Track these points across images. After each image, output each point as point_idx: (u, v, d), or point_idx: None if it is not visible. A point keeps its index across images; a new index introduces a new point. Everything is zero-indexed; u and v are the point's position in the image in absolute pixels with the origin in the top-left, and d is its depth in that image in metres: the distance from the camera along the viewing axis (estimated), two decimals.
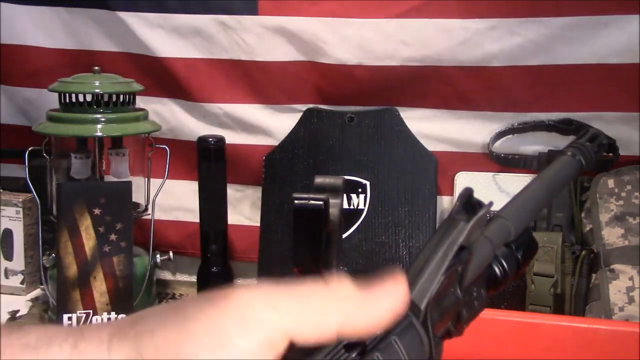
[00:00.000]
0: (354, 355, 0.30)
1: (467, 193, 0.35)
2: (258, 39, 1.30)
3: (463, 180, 1.29)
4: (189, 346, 0.28)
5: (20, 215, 1.31)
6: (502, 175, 1.28)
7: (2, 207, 1.31)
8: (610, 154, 1.22)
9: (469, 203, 0.35)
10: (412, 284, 0.33)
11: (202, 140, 1.25)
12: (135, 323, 0.30)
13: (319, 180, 1.06)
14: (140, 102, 1.25)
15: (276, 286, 0.30)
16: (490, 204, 0.35)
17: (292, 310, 0.29)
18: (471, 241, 0.35)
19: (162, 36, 1.34)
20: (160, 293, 1.39)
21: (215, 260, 1.28)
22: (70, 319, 1.10)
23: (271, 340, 0.29)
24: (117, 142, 1.23)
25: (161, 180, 1.22)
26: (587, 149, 0.50)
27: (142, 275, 1.19)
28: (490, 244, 0.39)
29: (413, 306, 0.33)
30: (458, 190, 1.30)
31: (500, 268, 0.40)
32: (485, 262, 0.39)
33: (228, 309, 0.29)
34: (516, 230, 0.41)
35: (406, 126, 1.29)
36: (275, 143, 1.35)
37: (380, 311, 0.30)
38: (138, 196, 1.23)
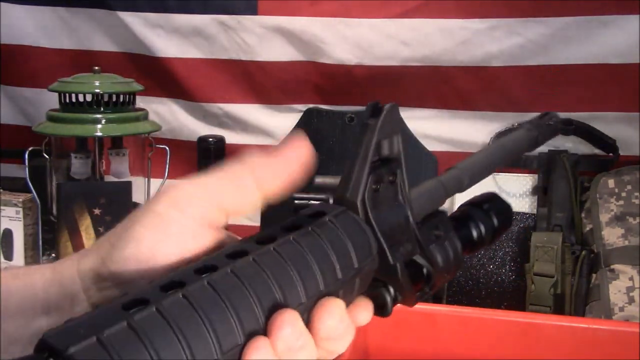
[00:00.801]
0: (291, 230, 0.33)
1: (374, 103, 0.38)
2: (258, 39, 1.30)
3: None
4: (133, 229, 0.33)
5: (20, 215, 1.31)
6: (502, 175, 1.28)
7: (2, 207, 1.31)
8: (611, 154, 1.23)
9: (375, 110, 0.38)
10: (344, 187, 0.36)
11: (202, 140, 1.25)
12: (101, 238, 0.36)
13: (319, 180, 1.06)
14: (140, 102, 1.25)
15: (203, 175, 0.35)
16: (396, 104, 0.38)
17: (220, 188, 0.34)
18: (396, 151, 0.38)
19: (162, 36, 1.34)
20: None
21: None
22: None
23: (207, 216, 0.33)
24: (117, 142, 1.22)
25: (161, 180, 1.22)
26: (544, 128, 0.55)
27: None
28: (442, 185, 0.42)
29: (347, 202, 0.36)
30: None
31: (477, 230, 0.42)
32: (437, 198, 0.41)
33: (164, 197, 0.34)
34: (469, 181, 0.43)
35: (406, 126, 1.29)
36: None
37: (290, 163, 0.37)
38: (138, 196, 1.23)
